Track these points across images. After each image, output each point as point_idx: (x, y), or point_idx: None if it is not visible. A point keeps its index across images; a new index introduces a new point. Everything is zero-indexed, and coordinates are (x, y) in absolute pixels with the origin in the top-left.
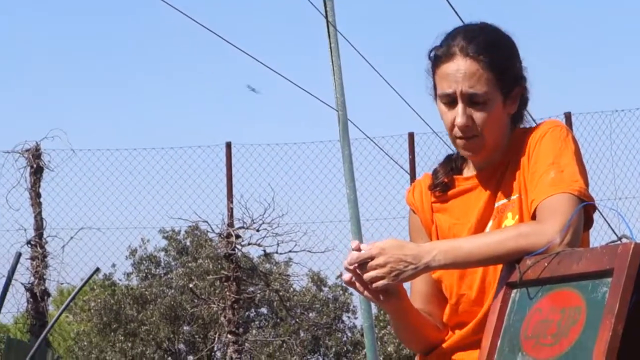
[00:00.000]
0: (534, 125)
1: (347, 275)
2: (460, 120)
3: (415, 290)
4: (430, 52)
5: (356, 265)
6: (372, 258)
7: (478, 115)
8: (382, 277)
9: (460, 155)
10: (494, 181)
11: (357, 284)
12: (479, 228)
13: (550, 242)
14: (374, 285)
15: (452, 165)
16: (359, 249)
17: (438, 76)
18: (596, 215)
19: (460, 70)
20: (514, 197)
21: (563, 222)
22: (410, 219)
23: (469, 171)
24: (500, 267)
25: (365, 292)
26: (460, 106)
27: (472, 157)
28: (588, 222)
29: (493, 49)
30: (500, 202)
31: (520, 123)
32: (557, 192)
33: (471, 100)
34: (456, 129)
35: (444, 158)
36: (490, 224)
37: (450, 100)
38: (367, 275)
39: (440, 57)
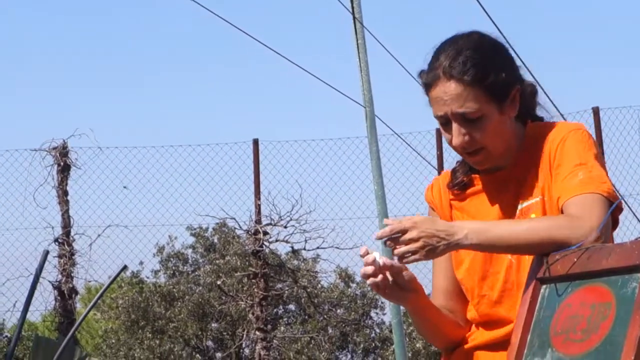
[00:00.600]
0: (553, 114)
1: (369, 269)
2: (455, 140)
3: (437, 287)
4: (419, 77)
5: (387, 240)
6: (404, 232)
7: (476, 131)
8: (415, 252)
9: None
10: (515, 181)
11: (378, 281)
12: None
13: (585, 238)
14: (406, 260)
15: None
16: (366, 254)
17: (430, 100)
18: (626, 211)
19: (447, 93)
20: (537, 198)
21: (596, 219)
22: (429, 216)
23: (488, 170)
24: (522, 269)
25: (387, 290)
26: (454, 127)
27: (485, 167)
28: (614, 223)
29: (477, 65)
30: (525, 203)
31: (534, 112)
32: (587, 192)
33: (464, 119)
34: (457, 148)
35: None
36: None
37: (445, 122)
38: (399, 251)
39: (427, 84)
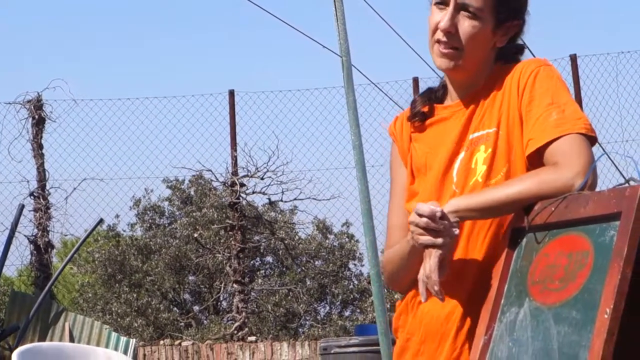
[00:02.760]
0: None
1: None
2: (443, 24)
3: (394, 224)
4: None
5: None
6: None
7: (464, 26)
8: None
9: (442, 86)
10: (470, 112)
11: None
12: (451, 158)
13: (575, 185)
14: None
15: (432, 96)
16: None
17: None
18: (604, 159)
19: None
20: (491, 130)
21: (583, 164)
22: (391, 150)
23: (448, 101)
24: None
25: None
26: (449, 10)
27: (450, 72)
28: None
29: None
30: (475, 134)
31: (509, 59)
32: (565, 133)
33: (463, 9)
34: (438, 32)
35: (425, 89)
36: (462, 155)
37: (442, 2)
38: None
39: None
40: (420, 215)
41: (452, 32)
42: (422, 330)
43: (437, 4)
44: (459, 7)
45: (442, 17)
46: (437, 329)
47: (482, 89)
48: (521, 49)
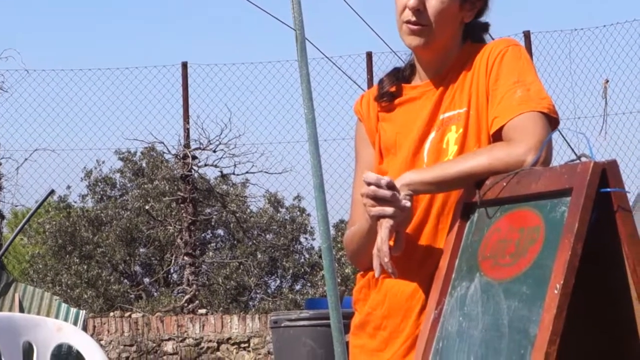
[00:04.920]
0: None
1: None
2: (412, 2)
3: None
4: None
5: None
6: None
7: (432, 2)
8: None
9: (409, 66)
10: (440, 92)
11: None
12: (422, 139)
13: (525, 161)
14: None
15: (399, 75)
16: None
17: None
18: (556, 135)
19: None
20: (461, 110)
21: (537, 141)
22: (357, 129)
23: (416, 81)
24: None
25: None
26: None
27: (419, 50)
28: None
29: None
30: (446, 114)
31: (475, 42)
32: (527, 110)
33: None
34: (406, 12)
35: (392, 69)
36: (432, 135)
37: None
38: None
39: None
40: (368, 184)
41: (420, 9)
42: (386, 305)
43: None
44: None
45: None
46: (402, 305)
47: (452, 68)
48: (487, 26)
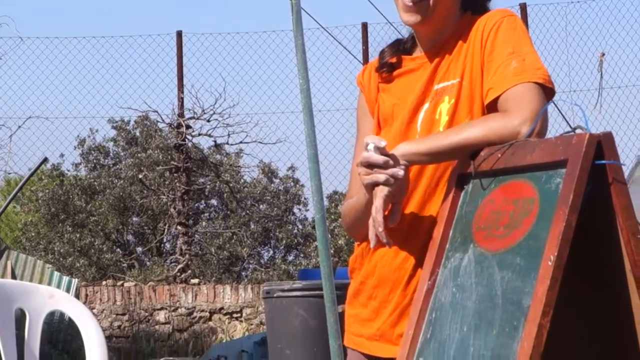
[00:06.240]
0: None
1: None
2: None
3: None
4: None
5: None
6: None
7: None
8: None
9: (411, 38)
10: (437, 63)
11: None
12: (416, 109)
13: (520, 132)
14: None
15: (400, 47)
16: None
17: None
18: (551, 108)
19: None
20: (455, 81)
21: (532, 111)
22: (359, 100)
23: (417, 53)
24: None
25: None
26: None
27: (417, 25)
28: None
29: None
30: (440, 85)
31: (475, 13)
32: (522, 82)
33: None
34: None
35: (394, 41)
36: (426, 105)
37: None
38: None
39: None
40: (366, 145)
41: None
42: (376, 275)
43: None
44: None
45: None
46: (390, 276)
47: (449, 40)
48: None
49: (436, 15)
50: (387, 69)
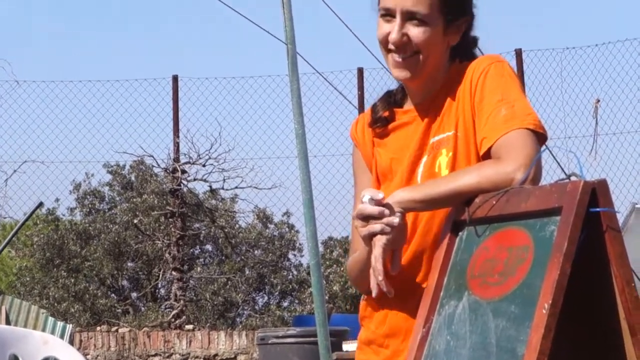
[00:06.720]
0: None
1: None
2: (393, 36)
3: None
4: None
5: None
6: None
7: (415, 32)
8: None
9: (401, 89)
10: (430, 115)
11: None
12: (414, 163)
13: (515, 179)
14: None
15: (391, 100)
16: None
17: None
18: (545, 154)
19: None
20: (450, 133)
21: (525, 157)
22: (354, 154)
23: (408, 105)
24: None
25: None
26: (397, 22)
27: (407, 80)
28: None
29: None
30: (436, 137)
31: (464, 60)
32: (513, 129)
33: (411, 18)
34: (390, 44)
35: (384, 93)
36: (424, 159)
37: (388, 15)
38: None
39: None
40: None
41: (406, 41)
42: (387, 324)
43: (383, 16)
44: (406, 17)
45: (391, 28)
46: (401, 325)
47: (440, 90)
48: (475, 41)
49: (426, 69)
50: (381, 123)
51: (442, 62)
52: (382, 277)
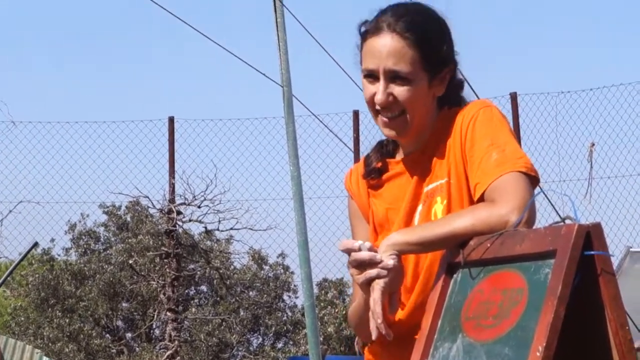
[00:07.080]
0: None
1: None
2: (379, 97)
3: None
4: (360, 27)
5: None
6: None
7: (400, 91)
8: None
9: (392, 139)
10: (422, 164)
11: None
12: (410, 212)
13: (509, 222)
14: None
15: (383, 150)
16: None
17: (364, 51)
18: (540, 197)
19: (385, 46)
20: (443, 181)
21: (519, 200)
22: (349, 205)
23: (400, 155)
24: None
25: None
26: (381, 83)
27: (398, 138)
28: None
29: (421, 28)
30: (430, 186)
31: (454, 106)
32: (505, 172)
33: (394, 77)
34: (376, 105)
35: (376, 144)
36: (420, 208)
37: (371, 76)
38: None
39: (368, 32)
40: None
41: (392, 101)
42: None
43: (366, 77)
44: (390, 76)
45: (376, 90)
46: None
47: (430, 139)
48: (461, 84)
49: (414, 126)
50: (375, 174)
51: (430, 114)
52: (381, 320)
